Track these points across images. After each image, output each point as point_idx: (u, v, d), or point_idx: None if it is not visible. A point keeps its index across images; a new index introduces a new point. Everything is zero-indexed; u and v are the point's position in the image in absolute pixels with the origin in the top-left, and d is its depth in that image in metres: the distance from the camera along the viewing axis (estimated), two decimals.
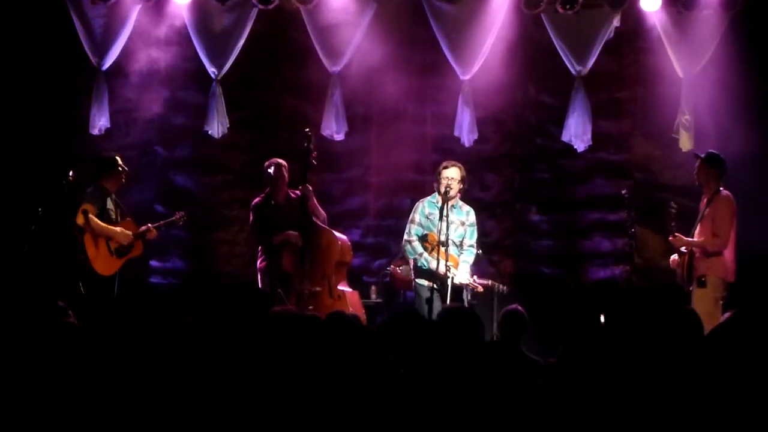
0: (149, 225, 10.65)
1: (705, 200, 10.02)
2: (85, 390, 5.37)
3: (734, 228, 9.97)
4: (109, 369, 5.51)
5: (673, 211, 10.05)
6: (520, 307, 7.76)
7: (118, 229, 10.36)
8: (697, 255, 9.84)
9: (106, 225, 10.27)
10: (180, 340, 5.72)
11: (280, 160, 10.58)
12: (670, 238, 9.99)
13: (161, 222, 10.88)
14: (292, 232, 10.23)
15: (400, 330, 6.22)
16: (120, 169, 10.49)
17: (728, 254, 9.94)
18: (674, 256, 10.15)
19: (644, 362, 5.56)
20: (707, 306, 9.53)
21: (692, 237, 9.96)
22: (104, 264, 10.29)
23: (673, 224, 9.98)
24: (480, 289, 10.38)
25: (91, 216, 10.14)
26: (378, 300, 12.01)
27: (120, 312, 9.85)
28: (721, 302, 9.79)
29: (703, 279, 9.78)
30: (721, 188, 10.00)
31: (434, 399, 5.31)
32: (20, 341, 5.90)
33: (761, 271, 11.32)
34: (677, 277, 10.06)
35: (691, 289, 9.95)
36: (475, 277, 10.65)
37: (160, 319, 5.84)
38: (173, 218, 10.97)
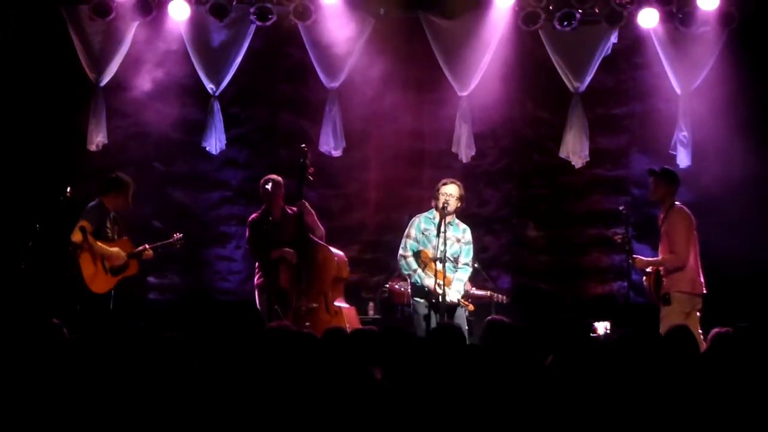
0: (146, 245, 10.61)
1: (662, 216, 10.00)
2: (77, 404, 5.37)
3: (694, 240, 9.94)
4: (103, 384, 5.52)
5: (618, 240, 10.05)
6: (505, 319, 7.70)
7: (113, 249, 10.32)
8: (663, 272, 9.82)
9: (101, 244, 10.23)
10: (172, 357, 5.74)
11: (277, 177, 10.56)
12: (630, 261, 9.98)
13: (158, 243, 10.82)
14: (288, 249, 10.21)
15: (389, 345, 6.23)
16: (129, 196, 10.46)
17: (692, 267, 9.90)
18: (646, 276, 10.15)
19: (639, 377, 5.57)
20: (675, 322, 9.52)
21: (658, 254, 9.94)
22: (99, 281, 10.25)
23: (627, 248, 9.95)
24: (471, 308, 10.32)
25: (87, 234, 10.11)
26: (376, 316, 11.99)
27: (115, 329, 9.84)
28: (697, 314, 9.82)
29: (667, 296, 9.76)
30: (675, 203, 10.01)
31: (425, 412, 5.31)
32: (15, 357, 5.90)
33: (761, 283, 11.36)
34: (648, 295, 10.03)
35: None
36: (473, 289, 10.65)
37: (151, 336, 5.86)
38: (170, 240, 10.91)
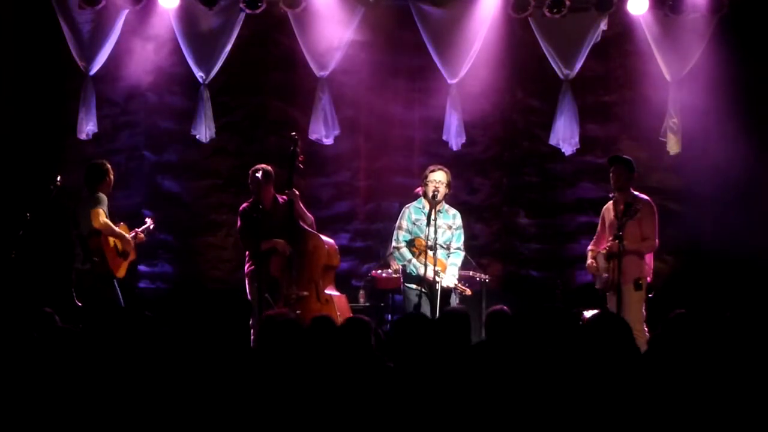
0: (137, 230, 10.67)
1: (622, 206, 9.96)
2: (74, 395, 5.37)
3: None
4: (104, 373, 5.52)
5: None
6: (505, 308, 7.72)
7: (127, 235, 10.42)
8: (626, 259, 9.84)
9: (118, 228, 10.33)
10: (171, 345, 5.75)
11: (267, 166, 10.53)
12: (609, 244, 9.95)
13: (143, 228, 10.85)
14: (279, 240, 10.19)
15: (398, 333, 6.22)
16: (111, 176, 10.50)
17: (651, 257, 10.13)
18: (591, 261, 10.24)
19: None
20: (641, 308, 9.85)
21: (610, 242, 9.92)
22: (119, 266, 10.35)
23: (620, 233, 9.94)
24: (468, 292, 10.37)
25: (106, 219, 10.15)
26: (366, 304, 11.99)
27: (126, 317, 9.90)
28: None
29: (639, 282, 9.86)
30: (636, 192, 10.10)
31: (425, 399, 5.32)
32: (8, 346, 5.90)
33: (755, 270, 11.40)
34: (602, 281, 10.04)
35: (607, 292, 10.01)
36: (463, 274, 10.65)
37: (151, 325, 5.87)
38: (145, 226, 10.92)
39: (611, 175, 10.17)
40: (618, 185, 10.11)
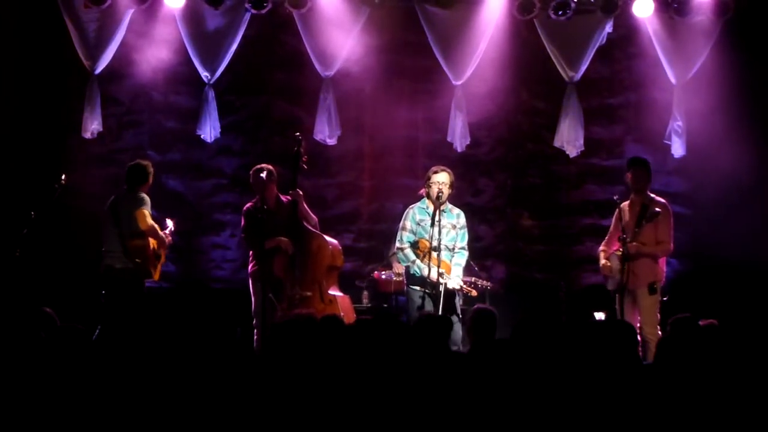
0: (165, 232, 10.61)
1: (639, 207, 9.95)
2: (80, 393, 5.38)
3: None
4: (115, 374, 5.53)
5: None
6: (490, 307, 7.73)
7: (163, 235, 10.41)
8: (640, 262, 9.84)
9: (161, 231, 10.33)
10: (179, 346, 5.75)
11: (269, 165, 10.51)
12: (625, 246, 9.92)
13: (168, 231, 10.81)
14: (283, 238, 10.17)
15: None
16: (151, 178, 10.44)
17: (663, 261, 10.16)
18: (605, 262, 10.21)
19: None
20: (656, 311, 9.87)
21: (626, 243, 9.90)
22: (155, 268, 10.34)
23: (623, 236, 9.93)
24: (474, 293, 10.33)
25: (152, 221, 10.13)
26: (370, 304, 11.98)
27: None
28: None
29: (654, 286, 9.89)
30: (652, 195, 10.11)
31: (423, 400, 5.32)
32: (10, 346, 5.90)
33: (760, 273, 11.39)
34: (614, 282, 10.01)
35: (615, 294, 10.01)
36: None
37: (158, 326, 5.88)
38: (169, 228, 10.89)
39: (630, 176, 10.18)
40: (637, 187, 10.13)
